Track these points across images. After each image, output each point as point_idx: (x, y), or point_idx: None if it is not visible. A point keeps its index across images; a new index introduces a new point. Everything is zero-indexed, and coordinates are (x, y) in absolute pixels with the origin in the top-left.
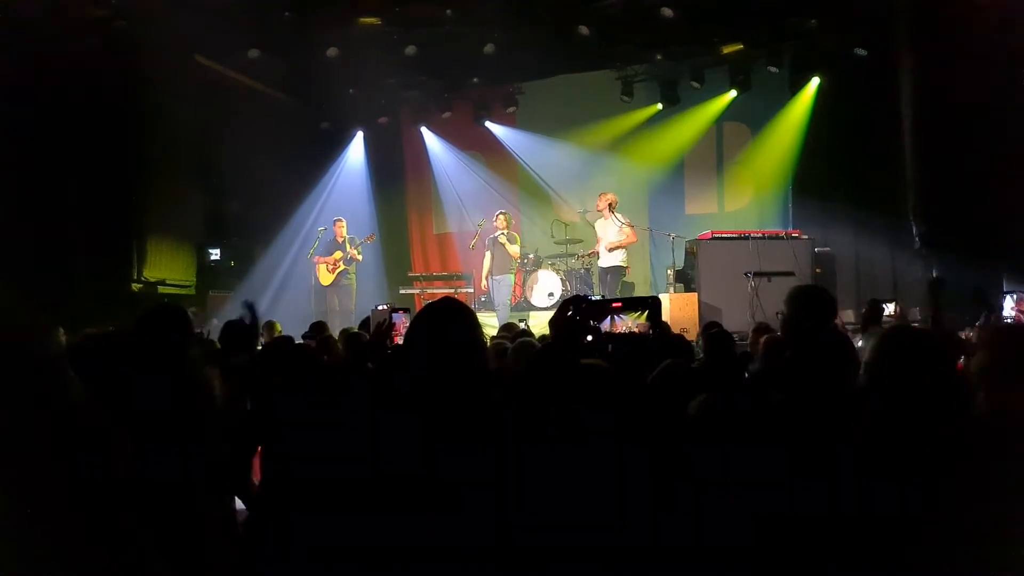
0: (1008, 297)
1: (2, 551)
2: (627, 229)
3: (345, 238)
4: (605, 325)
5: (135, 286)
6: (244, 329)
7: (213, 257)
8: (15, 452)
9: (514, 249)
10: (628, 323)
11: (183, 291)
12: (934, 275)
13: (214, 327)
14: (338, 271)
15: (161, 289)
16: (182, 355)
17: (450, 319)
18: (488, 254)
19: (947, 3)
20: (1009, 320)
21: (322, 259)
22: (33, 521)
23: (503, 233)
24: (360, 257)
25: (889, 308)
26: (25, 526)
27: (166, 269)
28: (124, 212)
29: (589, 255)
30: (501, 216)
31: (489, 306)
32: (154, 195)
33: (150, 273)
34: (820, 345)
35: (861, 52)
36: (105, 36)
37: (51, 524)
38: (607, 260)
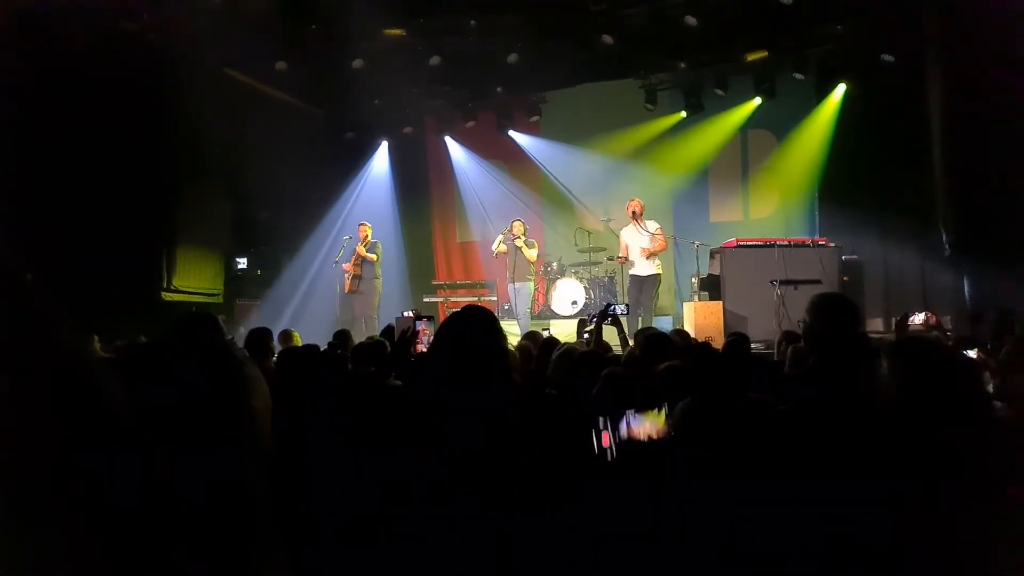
0: None
1: (31, 555)
2: (659, 238)
3: (368, 242)
4: (622, 431)
5: (165, 295)
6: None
7: (240, 266)
8: (57, 457)
9: (531, 253)
10: (646, 427)
11: (211, 300)
12: (972, 291)
13: (240, 335)
14: (352, 276)
15: (190, 298)
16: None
17: (475, 325)
18: (504, 248)
19: (976, 8)
20: None
21: (346, 266)
22: (66, 527)
23: (520, 239)
24: (372, 256)
25: (919, 317)
26: (57, 532)
27: (195, 278)
28: (154, 222)
29: (620, 259)
30: (517, 224)
31: (512, 314)
32: (183, 205)
33: (179, 282)
34: (844, 353)
35: (888, 58)
36: (137, 49)
37: (85, 531)
38: (643, 269)
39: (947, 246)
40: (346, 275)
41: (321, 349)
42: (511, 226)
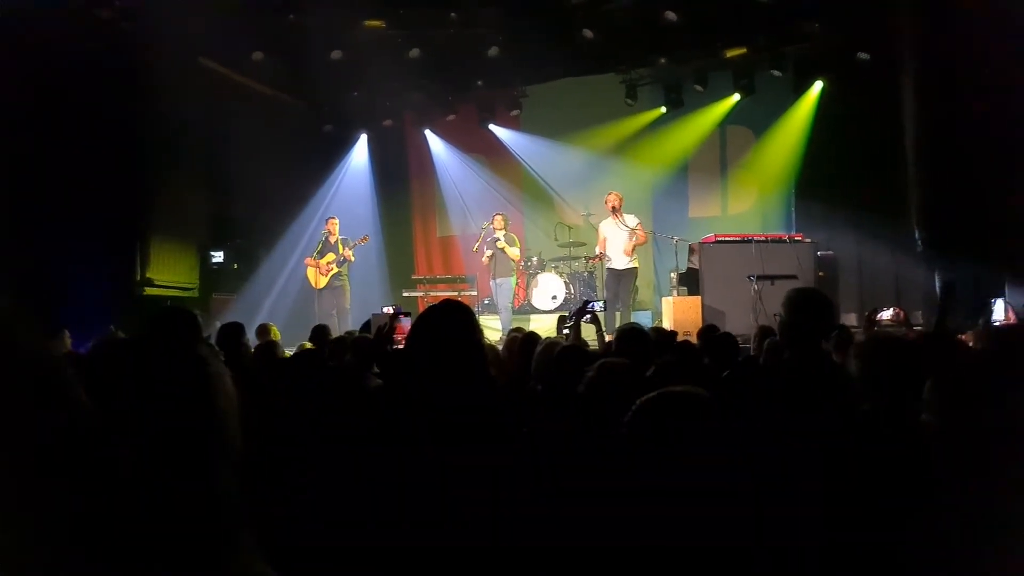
0: (1000, 301)
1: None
2: (639, 232)
3: (338, 239)
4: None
5: (138, 289)
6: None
7: (216, 260)
8: (15, 456)
9: (514, 252)
10: None
11: (186, 294)
12: (941, 279)
13: (216, 330)
14: (331, 273)
15: (164, 292)
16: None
17: (451, 319)
18: (489, 253)
19: (950, 7)
20: (997, 323)
21: (312, 262)
22: (36, 525)
23: (501, 236)
24: (353, 258)
25: (888, 313)
26: (27, 530)
27: (169, 272)
28: (128, 214)
29: (596, 259)
30: (498, 217)
31: (492, 309)
32: (158, 197)
33: (153, 276)
34: (818, 347)
35: (864, 56)
36: (110, 38)
37: (54, 528)
38: (620, 263)
39: (919, 242)
40: (318, 270)
41: (300, 345)
42: (492, 220)
